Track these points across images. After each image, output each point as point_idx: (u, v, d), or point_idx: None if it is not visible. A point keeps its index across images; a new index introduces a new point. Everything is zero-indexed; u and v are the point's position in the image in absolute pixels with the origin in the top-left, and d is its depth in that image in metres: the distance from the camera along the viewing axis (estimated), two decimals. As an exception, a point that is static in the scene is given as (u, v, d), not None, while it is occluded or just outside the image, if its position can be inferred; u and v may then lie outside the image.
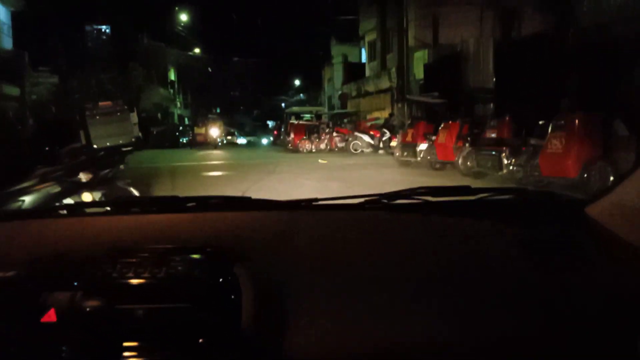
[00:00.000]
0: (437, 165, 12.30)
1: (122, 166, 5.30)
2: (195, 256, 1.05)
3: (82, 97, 22.73)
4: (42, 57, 21.84)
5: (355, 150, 21.04)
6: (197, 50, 39.51)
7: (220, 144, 31.57)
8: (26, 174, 4.31)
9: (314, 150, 23.10)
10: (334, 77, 35.97)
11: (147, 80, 27.80)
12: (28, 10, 22.38)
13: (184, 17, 31.81)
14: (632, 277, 1.07)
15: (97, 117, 4.26)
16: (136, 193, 4.90)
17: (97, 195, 4.38)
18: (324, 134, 23.78)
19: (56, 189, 4.11)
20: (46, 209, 1.45)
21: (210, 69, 43.88)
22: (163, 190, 9.07)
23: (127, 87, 25.29)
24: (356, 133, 21.66)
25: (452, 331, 0.95)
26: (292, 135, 24.40)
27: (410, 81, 21.61)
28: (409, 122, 15.41)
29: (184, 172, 13.46)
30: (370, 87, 27.16)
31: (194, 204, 1.44)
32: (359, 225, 1.29)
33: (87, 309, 0.87)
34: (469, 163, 10.60)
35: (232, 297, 0.92)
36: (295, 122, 26.18)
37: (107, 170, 4.67)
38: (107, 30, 30.65)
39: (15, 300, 0.90)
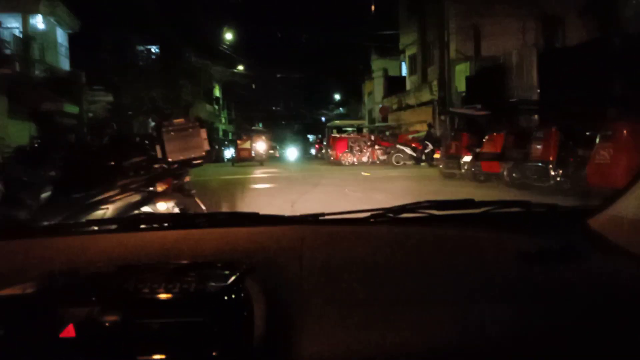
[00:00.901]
0: (482, 178, 12.34)
1: (188, 178, 5.72)
2: (207, 271, 1.08)
3: (134, 113, 23.84)
4: (96, 76, 22.97)
5: (397, 162, 21.15)
6: (240, 67, 40.57)
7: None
8: (109, 185, 4.77)
9: (355, 163, 23.27)
10: (375, 90, 36.23)
11: (195, 96, 28.78)
12: (82, 32, 23.74)
13: (229, 35, 32.85)
14: (635, 287, 1.09)
15: (172, 133, 4.64)
16: (200, 203, 5.29)
17: (171, 204, 4.77)
18: (365, 147, 23.95)
19: (136, 198, 4.52)
20: (60, 226, 1.48)
21: (253, 85, 44.87)
22: (218, 201, 9.53)
23: (177, 104, 26.33)
24: (398, 146, 21.76)
25: (457, 340, 0.96)
26: (334, 149, 24.69)
27: (452, 93, 21.65)
28: (452, 134, 15.47)
29: (234, 185, 13.94)
30: (411, 100, 27.27)
31: (203, 220, 1.50)
32: (365, 239, 1.30)
33: (105, 324, 0.89)
34: (514, 175, 10.62)
35: (244, 310, 0.94)
36: (337, 135, 26.41)
37: (177, 182, 5.08)
38: (156, 50, 31.96)
39: (34, 316, 0.91)
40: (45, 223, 4.19)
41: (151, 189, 4.67)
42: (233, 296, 0.96)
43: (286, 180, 15.03)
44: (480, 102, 16.43)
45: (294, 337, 0.96)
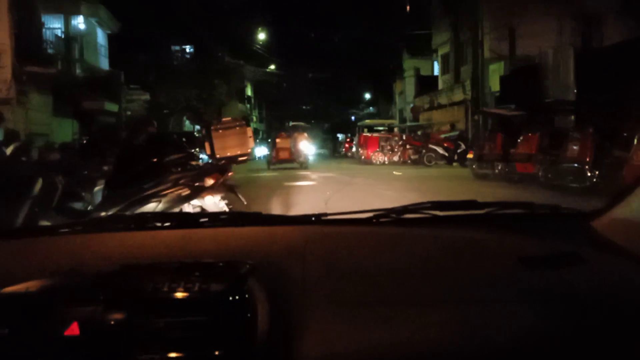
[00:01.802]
0: (516, 178, 12.29)
1: (231, 174, 5.97)
2: (210, 271, 1.07)
3: (170, 112, 24.44)
4: (133, 75, 23.60)
5: (429, 162, 21.12)
6: (272, 67, 41.00)
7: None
8: (161, 179, 5.04)
9: (386, 163, 23.30)
10: (406, 90, 36.12)
11: (227, 96, 29.25)
12: (120, 33, 24.42)
13: (261, 35, 33.22)
14: (639, 289, 1.09)
15: (220, 131, 4.91)
16: (242, 197, 5.51)
17: (217, 198, 5.01)
18: (396, 146, 23.96)
19: (186, 191, 4.78)
20: (64, 225, 1.47)
21: (284, 84, 45.29)
22: (256, 197, 9.77)
23: (211, 103, 26.84)
24: (430, 145, 21.72)
25: (459, 342, 0.96)
26: (365, 148, 24.76)
27: (485, 93, 21.50)
28: (486, 134, 15.40)
29: (268, 182, 14.23)
30: (443, 100, 27.13)
31: (206, 219, 1.50)
32: (368, 239, 1.30)
33: (109, 323, 0.89)
34: (549, 175, 10.57)
35: (247, 310, 0.94)
36: (368, 134, 26.45)
37: (222, 177, 5.32)
38: (191, 50, 32.62)
39: (38, 315, 0.91)
40: (103, 214, 4.47)
41: (200, 183, 4.93)
42: (237, 296, 0.96)
43: (318, 179, 15.21)
44: (515, 102, 16.30)
45: (297, 337, 0.95)
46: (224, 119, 5.02)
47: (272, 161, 22.23)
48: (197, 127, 28.66)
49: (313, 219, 1.43)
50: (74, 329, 0.87)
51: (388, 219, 1.40)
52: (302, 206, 9.08)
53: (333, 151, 42.95)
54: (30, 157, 4.47)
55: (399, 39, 35.98)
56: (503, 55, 21.01)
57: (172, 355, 0.87)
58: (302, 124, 29.27)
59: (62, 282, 1.04)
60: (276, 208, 8.92)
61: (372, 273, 1.14)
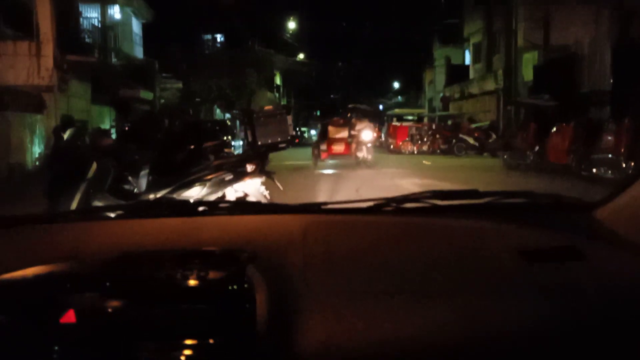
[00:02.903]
0: (549, 168, 12.21)
1: (268, 160, 6.17)
2: (209, 259, 1.07)
3: (202, 100, 24.87)
4: (165, 64, 24.04)
5: (459, 152, 21.01)
6: (301, 56, 41.11)
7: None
8: (206, 164, 5.28)
9: (415, 152, 23.19)
10: (436, 79, 35.82)
11: (257, 85, 29.54)
12: (153, 22, 24.88)
13: (291, 24, 33.35)
14: None
15: (262, 119, 5.08)
16: (278, 184, 5.70)
17: (258, 183, 5.21)
18: (426, 136, 23.87)
19: (229, 176, 5.00)
20: (62, 214, 1.49)
21: (313, 73, 45.36)
22: (288, 184, 9.98)
23: (242, 92, 27.15)
24: (460, 135, 21.60)
25: (458, 333, 0.96)
26: (394, 137, 24.72)
27: (518, 83, 21.21)
28: (519, 124, 15.28)
29: (300, 170, 14.43)
30: (475, 89, 26.84)
31: (205, 207, 1.48)
32: (368, 228, 1.29)
33: (106, 310, 0.89)
34: (583, 166, 10.49)
35: (246, 299, 0.93)
36: (398, 123, 26.37)
37: (263, 163, 5.53)
38: (222, 39, 32.98)
39: (35, 301, 0.91)
40: (152, 196, 4.72)
41: (241, 169, 5.14)
42: (236, 284, 0.96)
43: (347, 167, 15.31)
44: (548, 92, 16.08)
45: (297, 327, 0.94)
46: (265, 108, 5.21)
47: (320, 156, 16.00)
48: (228, 115, 29.09)
49: (312, 207, 1.43)
50: (70, 317, 0.86)
51: (389, 208, 1.38)
52: (333, 196, 9.23)
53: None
54: (84, 141, 4.74)
55: (430, 27, 35.66)
56: (537, 44, 20.67)
57: (171, 343, 0.86)
58: (363, 106, 23.04)
59: (60, 270, 1.04)
60: (308, 196, 9.08)
61: (373, 262, 1.13)
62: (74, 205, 4.52)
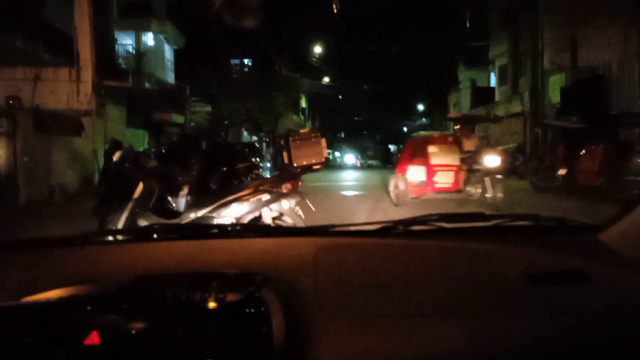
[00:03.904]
0: (578, 190, 12.11)
1: (301, 182, 6.36)
2: (225, 282, 1.09)
3: (230, 123, 25.39)
4: (195, 87, 24.68)
5: (486, 174, 20.83)
6: (326, 79, 41.69)
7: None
8: (243, 185, 5.51)
9: (441, 174, 23.03)
10: (461, 101, 35.85)
11: (284, 107, 30.06)
12: (184, 47, 25.67)
13: (317, 49, 33.98)
14: None
15: (298, 142, 5.31)
16: (310, 204, 5.86)
17: (293, 203, 5.39)
18: (452, 158, 23.62)
19: (266, 197, 5.20)
20: (79, 237, 1.46)
21: (340, 96, 45.91)
22: (317, 204, 10.13)
23: (269, 115, 27.68)
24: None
25: (469, 353, 0.98)
26: (420, 159, 24.57)
27: (545, 105, 21.14)
28: (547, 146, 15.21)
29: (329, 191, 14.59)
30: (501, 112, 26.78)
31: (216, 230, 1.53)
32: (377, 251, 1.30)
33: (129, 332, 0.90)
34: (613, 188, 10.41)
35: (263, 320, 0.95)
36: (423, 146, 26.21)
37: (297, 184, 5.72)
38: (249, 62, 33.75)
39: (59, 324, 0.93)
40: (193, 215, 4.95)
41: (278, 189, 5.34)
42: (252, 306, 0.97)
43: (374, 189, 15.41)
44: (577, 114, 16.01)
45: (311, 348, 0.96)
46: (301, 131, 5.45)
47: (408, 192, 10.06)
48: (255, 137, 29.59)
49: (322, 230, 1.46)
50: (94, 338, 0.88)
51: (397, 231, 1.40)
52: (360, 217, 9.32)
53: (385, 162, 43.00)
54: (131, 163, 5.03)
55: (455, 50, 35.85)
56: (564, 66, 20.63)
57: None
58: (478, 114, 15.71)
59: (82, 292, 1.06)
60: (338, 217, 9.22)
61: (382, 284, 1.15)
62: (121, 224, 4.77)
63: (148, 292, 1.06)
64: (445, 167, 10.00)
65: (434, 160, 10.01)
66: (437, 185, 10.11)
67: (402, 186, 10.14)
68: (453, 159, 10.09)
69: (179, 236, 1.48)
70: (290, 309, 1.01)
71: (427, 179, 9.96)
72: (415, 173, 10.04)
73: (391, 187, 10.68)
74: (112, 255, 1.34)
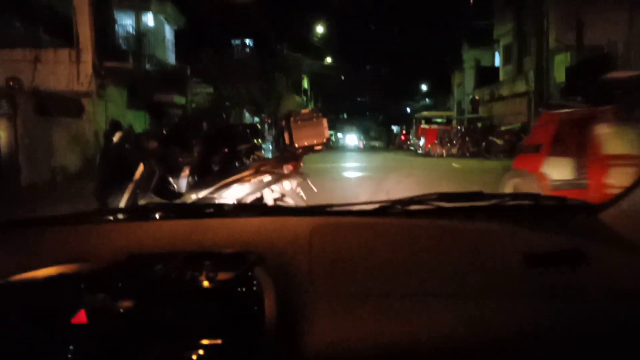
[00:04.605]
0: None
1: (302, 163, 6.31)
2: (218, 261, 1.06)
3: (232, 104, 25.26)
4: (195, 69, 24.50)
5: (489, 155, 20.83)
6: (328, 59, 41.33)
7: None
8: (244, 166, 5.47)
9: (444, 155, 23.05)
10: (465, 81, 35.54)
11: (285, 88, 29.85)
12: (184, 28, 25.40)
13: (319, 29, 33.60)
14: None
15: (299, 122, 5.24)
16: (312, 185, 5.83)
17: (294, 184, 5.35)
18: (455, 139, 23.71)
19: (267, 178, 5.16)
20: (71, 216, 1.43)
21: (342, 77, 45.58)
22: (319, 185, 10.12)
23: (270, 96, 27.50)
24: (490, 137, 21.40)
25: (463, 334, 0.97)
26: (422, 140, 24.64)
27: (550, 85, 20.92)
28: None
29: (330, 171, 14.56)
30: (505, 92, 26.55)
31: (211, 210, 1.49)
32: (373, 231, 1.28)
33: (117, 311, 0.89)
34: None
35: (254, 300, 0.95)
36: (426, 126, 26.22)
37: (297, 165, 5.68)
38: (250, 43, 33.42)
39: (46, 302, 0.92)
40: (194, 196, 4.92)
41: (279, 170, 5.30)
42: (244, 285, 0.97)
43: (377, 170, 15.37)
44: (581, 94, 15.84)
45: (304, 328, 0.96)
46: (302, 111, 5.35)
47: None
48: (257, 119, 29.45)
49: (318, 209, 1.44)
50: (81, 317, 0.87)
51: (394, 210, 1.38)
52: (362, 197, 9.32)
53: (388, 143, 42.88)
54: (132, 144, 4.98)
55: (459, 29, 35.44)
56: (569, 45, 20.36)
57: (180, 343, 0.87)
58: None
59: (71, 271, 1.05)
60: (340, 198, 9.21)
61: (379, 264, 1.14)
62: (121, 205, 4.75)
63: (139, 271, 1.05)
64: (629, 160, 5.33)
65: (609, 149, 5.41)
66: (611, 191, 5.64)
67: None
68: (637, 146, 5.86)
69: (174, 215, 1.46)
70: (284, 288, 1.01)
71: (593, 180, 5.30)
72: (563, 170, 5.67)
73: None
74: (105, 234, 1.32)
